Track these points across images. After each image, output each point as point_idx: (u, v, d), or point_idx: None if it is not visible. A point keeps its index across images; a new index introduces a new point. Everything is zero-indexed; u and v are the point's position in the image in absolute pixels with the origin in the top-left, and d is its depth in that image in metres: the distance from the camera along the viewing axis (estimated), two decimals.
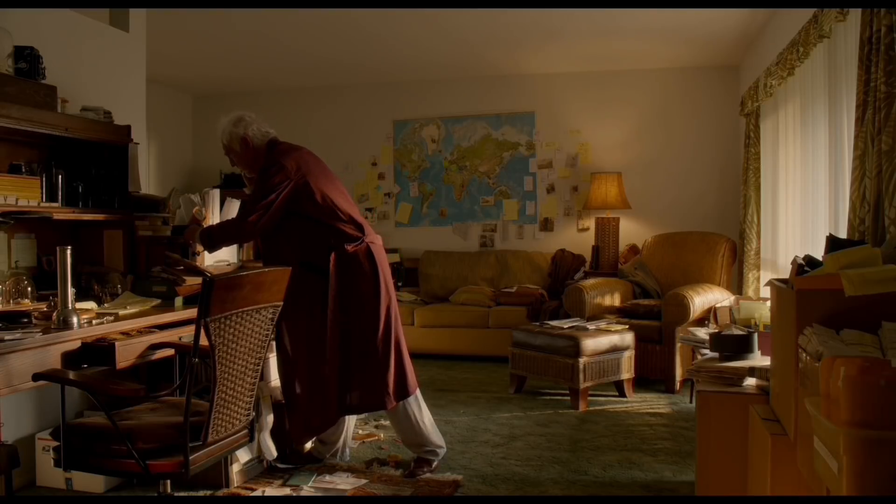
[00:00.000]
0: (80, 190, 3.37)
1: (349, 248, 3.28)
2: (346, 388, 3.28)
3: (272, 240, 3.32)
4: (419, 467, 3.40)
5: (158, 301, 3.15)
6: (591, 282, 5.65)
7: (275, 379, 3.76)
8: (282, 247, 3.30)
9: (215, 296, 2.13)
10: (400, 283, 6.67)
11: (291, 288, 3.25)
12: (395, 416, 3.41)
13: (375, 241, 3.42)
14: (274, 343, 3.53)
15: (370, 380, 3.28)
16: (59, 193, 3.23)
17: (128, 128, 3.55)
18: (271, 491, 3.16)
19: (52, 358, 2.42)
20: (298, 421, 3.30)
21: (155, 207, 3.67)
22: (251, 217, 3.17)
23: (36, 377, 2.26)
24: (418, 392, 3.45)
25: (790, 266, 2.36)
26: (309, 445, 3.59)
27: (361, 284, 3.30)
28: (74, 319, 2.54)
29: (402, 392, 3.35)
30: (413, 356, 3.54)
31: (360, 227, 3.36)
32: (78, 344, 2.52)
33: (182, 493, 3.08)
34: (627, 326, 4.98)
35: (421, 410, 3.44)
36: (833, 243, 2.20)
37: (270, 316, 2.45)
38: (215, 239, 3.30)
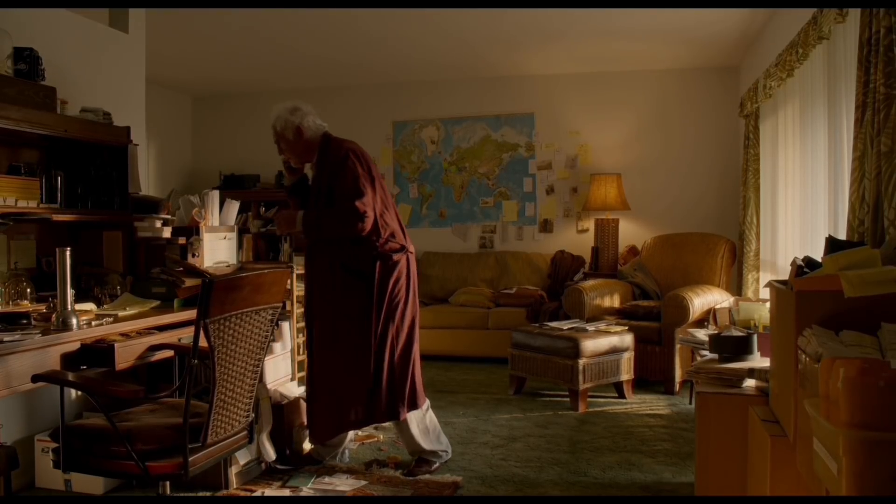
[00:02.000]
0: (80, 191, 3.36)
1: (395, 257, 3.32)
2: (370, 396, 3.29)
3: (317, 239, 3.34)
4: (419, 467, 3.41)
5: (158, 302, 3.15)
6: (590, 283, 5.65)
7: (274, 380, 3.76)
8: (323, 246, 3.31)
9: (214, 297, 2.13)
10: None
11: (332, 289, 3.26)
12: (399, 424, 3.42)
13: (412, 250, 3.47)
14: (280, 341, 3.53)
15: (388, 390, 3.31)
16: (59, 195, 3.23)
17: (127, 129, 3.55)
18: (270, 492, 3.15)
19: (51, 359, 2.42)
20: (322, 420, 3.32)
21: (154, 209, 3.67)
22: (368, 212, 3.18)
23: (35, 378, 2.26)
24: (427, 402, 3.48)
25: (789, 267, 2.36)
26: (308, 446, 3.59)
27: (396, 295, 3.33)
28: (74, 321, 2.54)
29: (413, 404, 3.38)
30: None
31: (403, 233, 3.42)
32: (77, 345, 2.52)
33: (181, 495, 3.08)
34: (627, 328, 4.98)
35: (424, 420, 3.47)
36: (832, 244, 2.21)
37: (270, 317, 2.45)
38: (324, 227, 3.28)
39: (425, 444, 3.45)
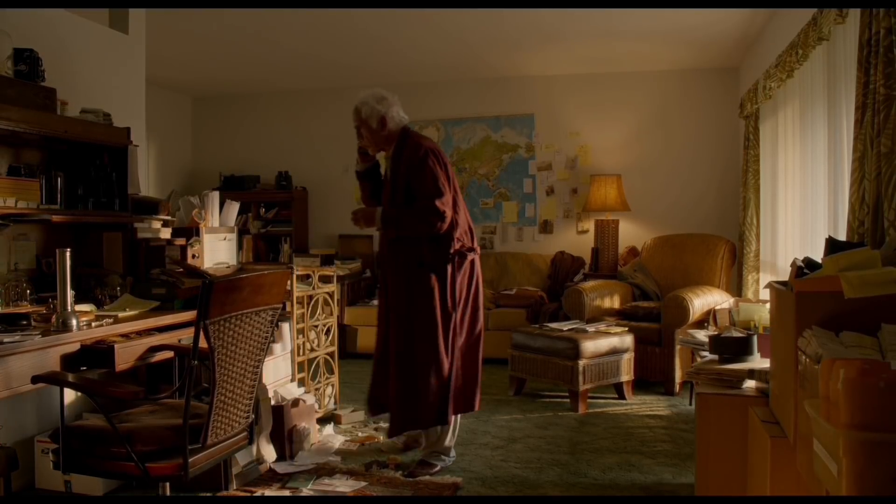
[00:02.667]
0: (80, 192, 3.36)
1: (469, 256, 3.39)
2: (441, 395, 3.33)
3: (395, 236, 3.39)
4: (420, 468, 3.41)
5: (158, 303, 3.15)
6: (590, 284, 5.65)
7: (273, 381, 3.77)
8: (401, 243, 3.36)
9: (214, 298, 2.13)
10: None
11: (408, 287, 3.31)
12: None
13: (479, 251, 3.52)
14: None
15: (443, 391, 3.35)
16: (59, 195, 3.23)
17: (127, 130, 3.55)
18: (270, 493, 3.15)
19: (51, 360, 2.42)
20: (397, 417, 3.36)
21: (154, 209, 3.67)
22: (447, 212, 3.24)
23: (35, 379, 2.26)
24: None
25: (789, 268, 2.36)
26: (308, 446, 3.58)
27: (460, 295, 3.37)
28: (73, 322, 2.54)
29: (470, 405, 3.46)
30: None
31: (471, 234, 3.47)
32: (77, 346, 2.52)
33: (181, 496, 3.08)
34: (627, 328, 4.98)
35: (456, 424, 3.51)
36: (832, 245, 2.21)
37: (270, 318, 2.45)
38: (403, 224, 3.35)
39: (450, 443, 3.49)
